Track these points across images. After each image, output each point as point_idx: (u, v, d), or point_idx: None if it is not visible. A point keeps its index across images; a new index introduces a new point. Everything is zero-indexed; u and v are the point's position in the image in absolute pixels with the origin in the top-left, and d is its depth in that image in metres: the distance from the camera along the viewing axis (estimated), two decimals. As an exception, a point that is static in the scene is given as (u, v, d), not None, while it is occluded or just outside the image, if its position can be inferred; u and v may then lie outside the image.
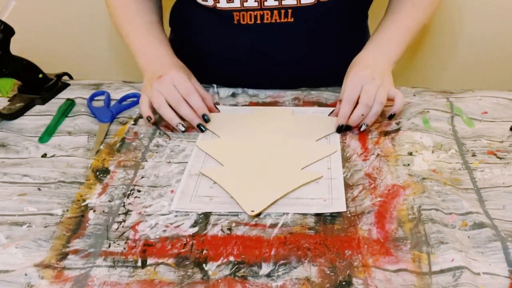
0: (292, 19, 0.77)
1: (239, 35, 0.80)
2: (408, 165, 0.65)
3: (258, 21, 0.77)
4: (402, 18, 0.79)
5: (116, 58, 1.40)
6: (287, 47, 0.82)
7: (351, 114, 0.71)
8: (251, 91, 0.85)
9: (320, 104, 0.81)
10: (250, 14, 0.77)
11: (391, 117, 0.74)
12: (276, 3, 0.75)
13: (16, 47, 0.79)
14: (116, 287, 0.50)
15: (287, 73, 0.85)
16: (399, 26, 0.79)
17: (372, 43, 0.78)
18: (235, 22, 0.78)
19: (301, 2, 0.75)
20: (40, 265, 0.52)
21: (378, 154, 0.67)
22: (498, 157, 0.67)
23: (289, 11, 0.76)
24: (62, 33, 1.35)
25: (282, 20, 0.77)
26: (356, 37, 0.89)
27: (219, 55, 0.85)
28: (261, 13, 0.76)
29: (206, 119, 0.74)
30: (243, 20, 0.78)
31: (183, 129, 0.72)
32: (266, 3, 0.75)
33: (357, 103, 0.71)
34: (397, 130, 0.72)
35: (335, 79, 0.81)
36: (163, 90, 0.73)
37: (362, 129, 0.72)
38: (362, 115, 0.71)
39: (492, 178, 0.63)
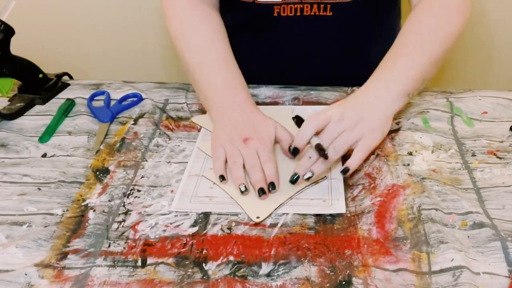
0: (331, 13, 0.78)
1: (279, 25, 0.81)
2: (408, 165, 0.65)
3: (298, 13, 0.79)
4: (422, 38, 0.69)
5: (116, 58, 1.40)
6: (326, 40, 0.82)
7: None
8: (250, 91, 0.84)
9: (319, 104, 0.81)
10: (291, 7, 0.78)
11: (345, 171, 0.61)
12: None
13: (16, 47, 0.79)
14: (116, 287, 0.50)
15: (322, 67, 0.86)
16: (416, 50, 0.69)
17: (377, 77, 0.68)
18: (275, 14, 0.79)
19: None
20: (40, 265, 0.52)
21: (378, 154, 0.67)
22: (498, 157, 0.67)
23: (328, 6, 0.77)
24: (62, 33, 1.35)
25: (322, 13, 0.78)
26: (388, 34, 0.87)
27: (256, 48, 0.85)
28: (301, 6, 0.78)
29: (271, 189, 0.62)
30: (284, 12, 0.79)
31: (243, 190, 0.61)
32: None
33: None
34: (397, 130, 0.72)
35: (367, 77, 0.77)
36: (245, 153, 0.65)
37: (306, 176, 0.60)
38: (310, 157, 0.61)
39: (492, 178, 0.63)
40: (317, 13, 0.78)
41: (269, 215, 0.58)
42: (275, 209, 0.59)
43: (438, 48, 0.70)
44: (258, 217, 0.57)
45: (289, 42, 0.82)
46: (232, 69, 0.75)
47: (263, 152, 0.65)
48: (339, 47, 0.84)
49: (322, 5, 0.77)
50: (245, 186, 0.61)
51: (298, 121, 0.66)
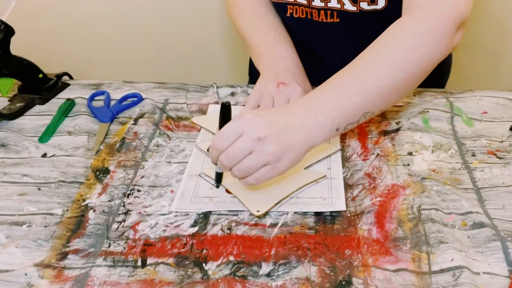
0: (338, 20, 0.78)
1: (291, 26, 0.83)
2: (408, 165, 0.65)
3: (309, 17, 0.80)
4: (374, 63, 0.60)
5: (116, 58, 1.40)
6: (333, 46, 0.83)
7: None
8: (250, 91, 0.85)
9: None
10: (302, 9, 0.79)
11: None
12: (322, 4, 0.76)
13: (16, 47, 0.79)
14: (116, 287, 0.50)
15: (328, 73, 0.85)
16: (364, 78, 0.59)
17: (313, 102, 0.59)
18: (288, 15, 0.81)
19: (345, 8, 0.75)
20: (40, 265, 0.52)
21: (378, 154, 0.67)
22: (497, 157, 0.67)
23: (335, 12, 0.77)
24: (62, 33, 1.35)
25: (329, 20, 0.78)
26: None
27: None
28: (310, 10, 0.78)
29: None
30: (296, 14, 0.80)
31: None
32: (313, 3, 0.77)
33: None
34: (397, 130, 0.72)
35: None
36: (275, 96, 0.69)
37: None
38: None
39: (491, 178, 0.63)
40: (324, 20, 0.79)
41: (269, 210, 0.58)
42: (275, 204, 0.59)
43: (394, 78, 0.59)
44: (258, 211, 0.58)
45: (299, 44, 0.83)
46: (280, 30, 0.82)
47: (294, 99, 0.69)
48: (344, 54, 0.84)
49: (329, 11, 0.77)
50: None
51: (224, 110, 0.59)
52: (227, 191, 0.62)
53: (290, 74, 0.73)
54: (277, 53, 0.77)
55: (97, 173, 0.66)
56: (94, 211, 0.60)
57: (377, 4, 0.73)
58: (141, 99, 0.82)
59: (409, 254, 0.52)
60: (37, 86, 0.83)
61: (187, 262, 0.52)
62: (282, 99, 0.69)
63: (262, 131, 0.54)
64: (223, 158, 0.54)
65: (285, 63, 0.76)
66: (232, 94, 0.85)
